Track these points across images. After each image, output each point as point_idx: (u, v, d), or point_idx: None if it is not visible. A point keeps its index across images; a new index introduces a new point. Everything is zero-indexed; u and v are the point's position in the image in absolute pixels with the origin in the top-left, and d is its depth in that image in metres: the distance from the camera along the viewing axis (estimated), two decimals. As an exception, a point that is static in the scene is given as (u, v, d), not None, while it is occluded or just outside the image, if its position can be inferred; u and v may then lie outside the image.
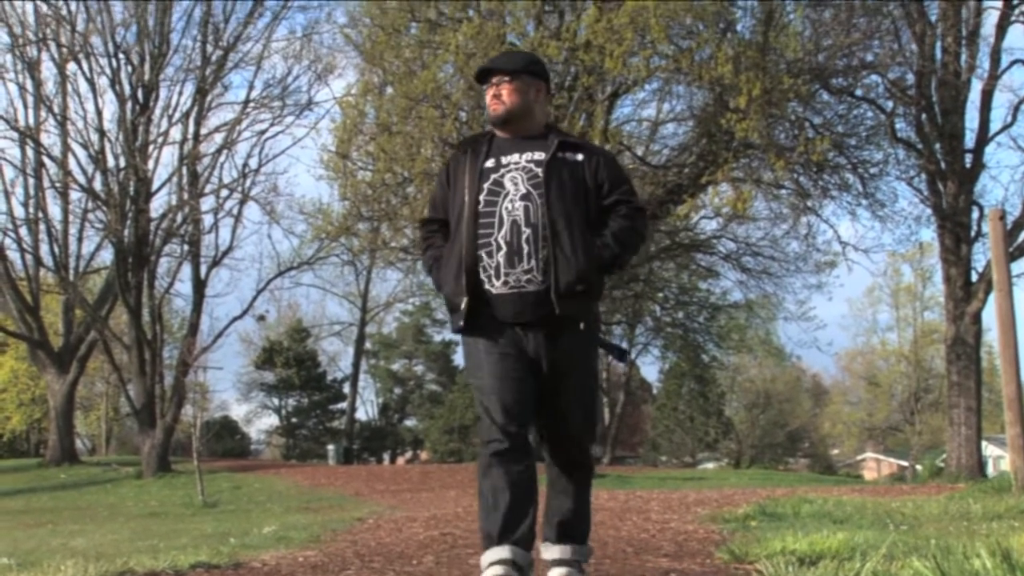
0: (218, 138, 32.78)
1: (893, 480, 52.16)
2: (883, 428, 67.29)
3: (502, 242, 4.89)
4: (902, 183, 27.40)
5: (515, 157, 5.04)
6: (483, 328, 4.93)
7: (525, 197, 4.92)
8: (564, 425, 5.00)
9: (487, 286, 4.88)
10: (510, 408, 4.81)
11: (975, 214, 26.05)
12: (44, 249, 34.34)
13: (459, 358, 64.70)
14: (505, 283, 4.85)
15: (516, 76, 5.15)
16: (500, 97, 5.13)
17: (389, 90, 24.56)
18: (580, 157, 5.06)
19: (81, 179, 32.29)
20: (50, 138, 33.59)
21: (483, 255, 4.89)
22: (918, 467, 47.08)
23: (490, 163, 5.05)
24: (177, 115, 32.33)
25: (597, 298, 5.01)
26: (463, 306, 4.90)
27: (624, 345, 40.47)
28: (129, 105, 31.24)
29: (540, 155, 5.00)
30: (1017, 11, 26.45)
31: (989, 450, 46.78)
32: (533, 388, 4.88)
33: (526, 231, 4.87)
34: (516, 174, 5.00)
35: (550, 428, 5.04)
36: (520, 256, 4.85)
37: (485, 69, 5.27)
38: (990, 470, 34.01)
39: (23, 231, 34.16)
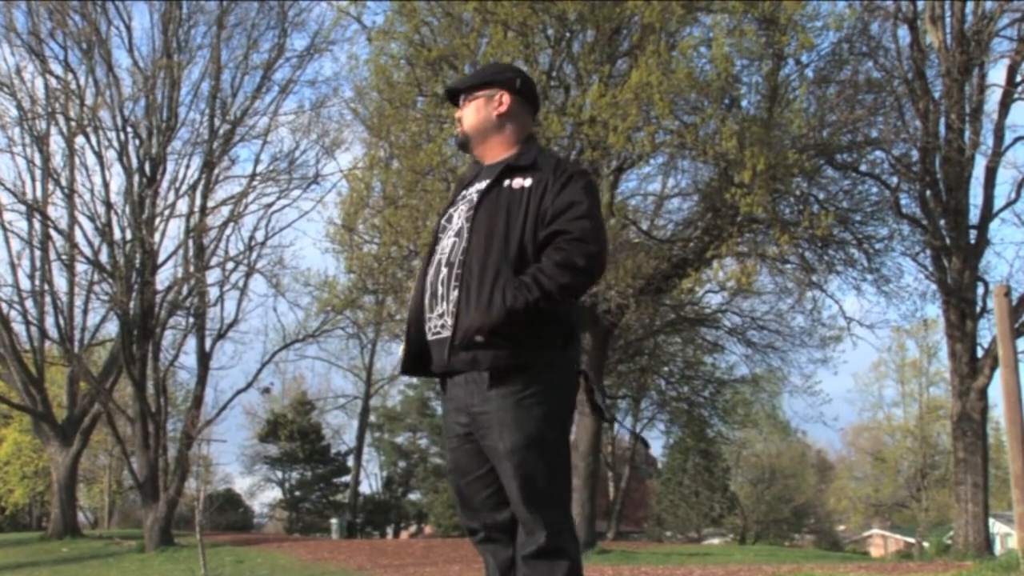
0: (225, 211, 32.89)
1: (900, 557, 51.78)
2: (889, 504, 66.98)
3: (428, 283, 4.45)
4: (907, 259, 27.46)
5: (471, 188, 4.55)
6: (439, 384, 4.52)
7: (458, 233, 4.42)
8: (513, 504, 4.29)
9: (426, 332, 4.44)
10: (466, 503, 4.44)
11: (980, 290, 26.10)
12: (49, 321, 34.37)
13: (463, 432, 64.60)
14: (429, 329, 4.41)
15: (470, 93, 4.64)
16: (460, 120, 4.67)
17: (395, 163, 24.69)
18: (528, 183, 4.37)
19: (87, 251, 32.38)
20: (57, 211, 33.71)
21: (423, 297, 4.47)
22: (925, 544, 46.81)
23: (460, 196, 4.62)
24: (184, 188, 32.50)
25: (536, 348, 4.24)
26: (400, 351, 4.57)
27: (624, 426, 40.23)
28: (136, 178, 31.39)
29: (485, 183, 4.47)
30: (1020, 88, 26.68)
31: (996, 527, 46.53)
32: (492, 472, 4.33)
33: (444, 271, 4.38)
34: (462, 206, 4.51)
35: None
36: (436, 299, 4.38)
37: (447, 92, 4.81)
38: (997, 548, 33.73)
39: (29, 303, 34.22)
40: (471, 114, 4.61)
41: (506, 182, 4.41)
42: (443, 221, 4.56)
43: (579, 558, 4.32)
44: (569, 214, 4.26)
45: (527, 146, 4.58)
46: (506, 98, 4.59)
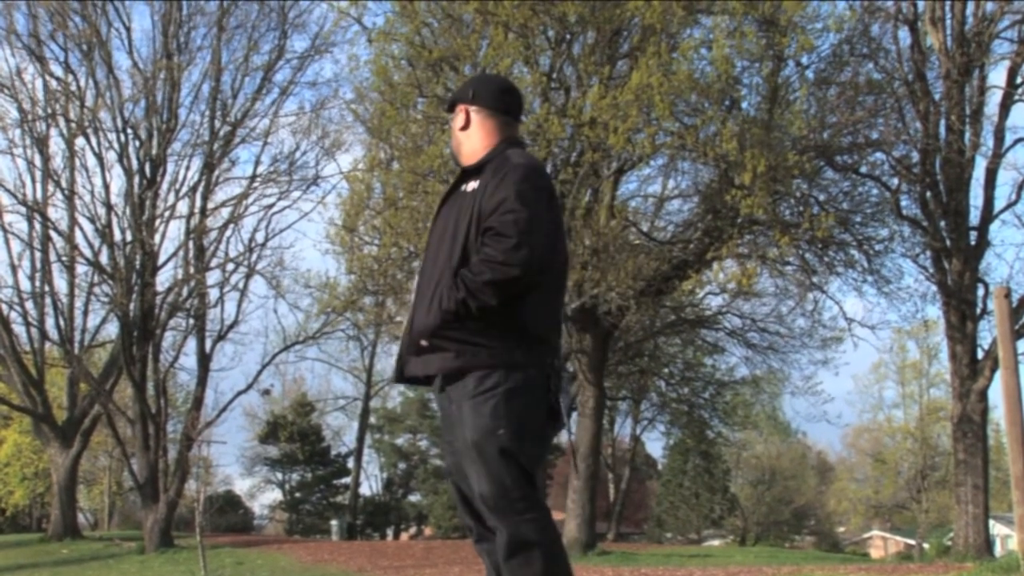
0: (225, 212, 32.84)
1: (900, 559, 51.78)
2: (889, 506, 66.95)
3: (414, 291, 4.58)
4: (907, 260, 27.47)
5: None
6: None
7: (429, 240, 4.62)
8: (476, 501, 4.39)
9: None
10: (464, 503, 4.52)
11: (980, 291, 26.10)
12: (49, 323, 34.34)
13: (463, 434, 64.59)
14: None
15: (451, 112, 4.81)
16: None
17: (396, 165, 24.69)
18: (474, 186, 4.49)
19: (88, 253, 32.35)
20: (57, 212, 33.68)
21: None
22: (925, 545, 46.77)
23: None
24: (184, 189, 32.45)
25: (479, 345, 4.29)
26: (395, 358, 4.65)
27: (624, 427, 40.21)
28: (136, 179, 31.36)
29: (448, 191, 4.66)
30: (1020, 90, 26.68)
31: (996, 529, 46.49)
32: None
33: (418, 278, 4.56)
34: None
35: None
36: (408, 308, 4.56)
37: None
38: (998, 549, 33.72)
39: (29, 304, 34.19)
40: (450, 135, 4.83)
41: (461, 187, 4.56)
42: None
43: (553, 546, 4.32)
44: (499, 210, 4.32)
45: (494, 150, 4.62)
46: (464, 110, 4.71)
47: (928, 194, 26.26)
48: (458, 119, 4.72)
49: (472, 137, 4.68)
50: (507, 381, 4.32)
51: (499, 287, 4.22)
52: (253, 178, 33.16)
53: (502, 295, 4.25)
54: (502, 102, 4.77)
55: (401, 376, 4.58)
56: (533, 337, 4.38)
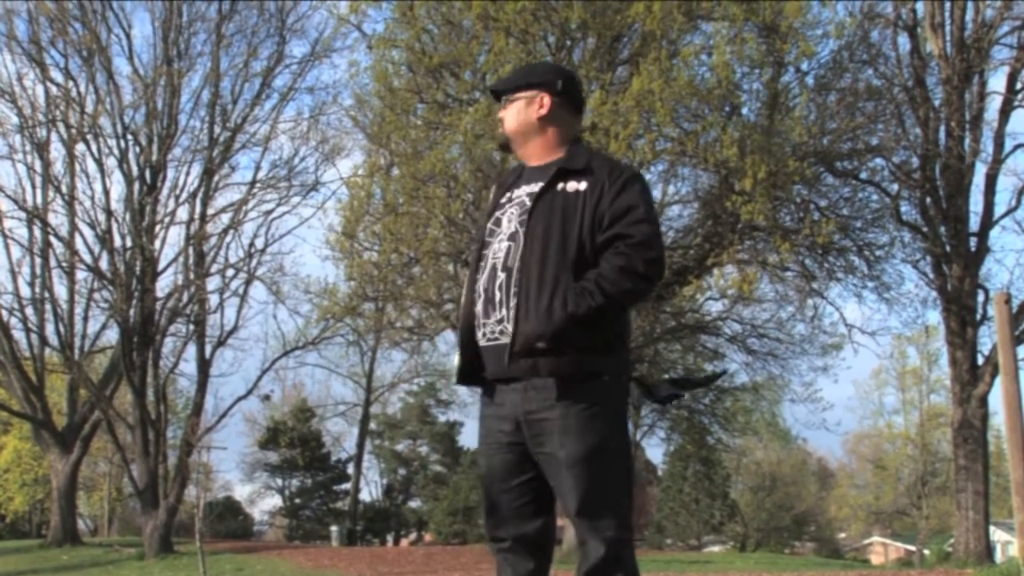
0: (225, 218, 32.89)
1: (901, 565, 51.73)
2: (890, 512, 66.94)
3: (481, 289, 4.32)
4: (908, 266, 27.43)
5: (519, 190, 4.44)
6: (485, 391, 4.38)
7: (511, 237, 4.31)
8: (568, 519, 4.16)
9: (478, 338, 4.31)
10: (497, 511, 4.32)
11: (980, 297, 26.08)
12: (49, 328, 34.34)
13: (464, 439, 64.64)
14: (483, 335, 4.28)
15: (511, 95, 4.54)
16: (502, 121, 4.58)
17: (396, 171, 24.68)
18: (583, 186, 4.28)
19: (87, 259, 32.37)
20: (57, 218, 33.72)
21: (475, 302, 4.35)
22: (926, 552, 46.77)
23: (505, 197, 4.48)
24: (184, 195, 32.48)
25: (597, 353, 4.16)
26: (456, 360, 4.38)
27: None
28: (136, 185, 31.39)
29: (537, 186, 4.35)
30: (1020, 96, 26.67)
31: (997, 535, 46.45)
32: (532, 481, 4.25)
33: (500, 276, 4.26)
34: (513, 209, 4.38)
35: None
36: (493, 305, 4.26)
37: (491, 93, 4.74)
38: (998, 555, 33.73)
39: (29, 310, 34.21)
40: (512, 116, 4.53)
41: (559, 185, 4.31)
42: (490, 224, 4.43)
43: (637, 572, 4.28)
44: (629, 218, 4.20)
45: (575, 148, 4.49)
46: (547, 100, 4.48)
47: (928, 200, 26.26)
48: (534, 106, 4.48)
49: (549, 129, 4.49)
50: (618, 389, 4.28)
51: (635, 297, 4.21)
52: (253, 184, 33.22)
53: (635, 304, 4.27)
54: (581, 100, 4.70)
55: (468, 376, 4.39)
56: (627, 346, 4.35)
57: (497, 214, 4.44)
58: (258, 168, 35.71)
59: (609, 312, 4.12)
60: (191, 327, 32.70)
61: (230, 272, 32.69)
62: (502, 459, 4.27)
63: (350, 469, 61.72)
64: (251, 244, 32.75)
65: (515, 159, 4.68)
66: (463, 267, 22.85)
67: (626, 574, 4.19)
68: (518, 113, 4.50)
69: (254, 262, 32.72)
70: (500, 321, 4.22)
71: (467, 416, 62.35)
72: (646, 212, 4.22)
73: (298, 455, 59.08)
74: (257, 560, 28.22)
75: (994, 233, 27.68)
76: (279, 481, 63.76)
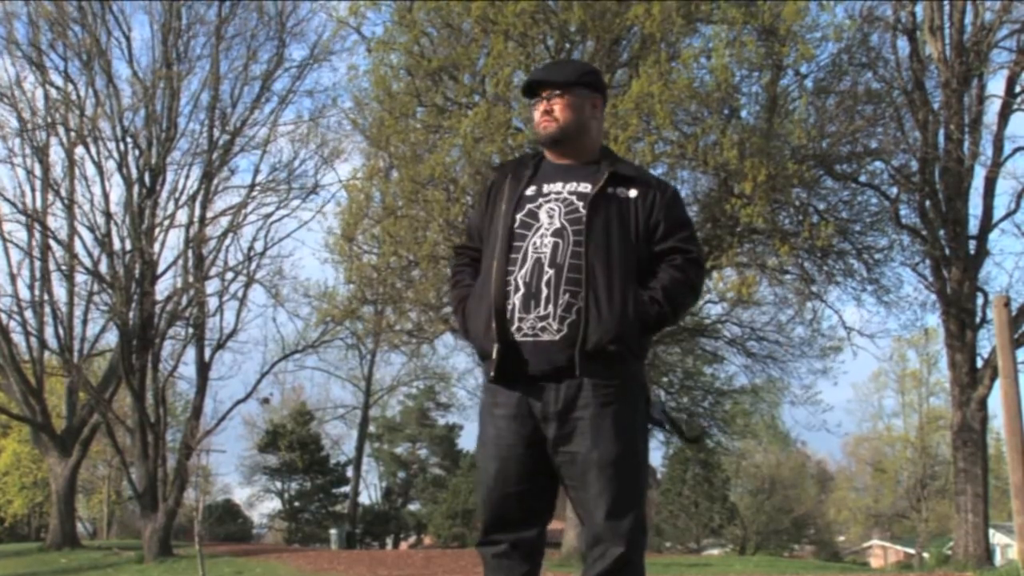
0: (224, 221, 32.89)
1: (900, 568, 51.70)
2: (889, 515, 66.95)
3: (520, 282, 4.25)
4: (907, 269, 27.41)
5: (558, 186, 4.40)
6: (497, 385, 4.31)
7: (557, 233, 4.28)
8: (588, 519, 4.20)
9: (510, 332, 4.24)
10: (500, 513, 4.30)
11: (980, 300, 26.08)
12: (49, 331, 34.37)
13: (463, 442, 64.65)
14: (519, 329, 4.21)
15: (569, 89, 4.47)
16: (552, 113, 4.47)
17: (395, 174, 24.68)
18: (633, 193, 4.36)
19: (87, 262, 32.37)
20: (57, 221, 33.74)
21: (509, 295, 4.27)
22: (925, 555, 46.72)
23: (531, 190, 4.43)
24: (183, 198, 32.48)
25: (638, 359, 4.29)
26: (495, 354, 4.23)
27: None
28: (136, 188, 31.37)
29: (586, 187, 4.35)
30: (1019, 99, 26.70)
31: (996, 538, 46.42)
32: (540, 484, 4.28)
33: (548, 272, 4.22)
34: (554, 205, 4.35)
35: (582, 522, 4.29)
36: (537, 300, 4.20)
37: (534, 81, 4.59)
38: (998, 558, 33.67)
39: (28, 313, 34.23)
40: (570, 110, 4.48)
41: (609, 189, 4.35)
42: (521, 216, 4.38)
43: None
44: (683, 233, 4.39)
45: (611, 154, 4.60)
46: (599, 102, 4.58)
47: (927, 203, 26.26)
48: (588, 104, 4.52)
49: (593, 131, 4.55)
50: (643, 393, 4.37)
51: (687, 310, 4.45)
52: (252, 187, 33.22)
53: (684, 316, 4.39)
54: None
55: (505, 375, 4.28)
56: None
57: (529, 207, 4.40)
58: (257, 171, 35.71)
59: (668, 322, 4.31)
60: (190, 330, 32.68)
61: (229, 275, 32.71)
62: (517, 460, 4.26)
63: (349, 472, 61.79)
64: (250, 247, 32.77)
65: (553, 155, 4.59)
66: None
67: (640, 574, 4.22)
68: (578, 111, 4.48)
69: (253, 265, 32.75)
70: (543, 317, 4.20)
71: (466, 419, 62.45)
72: (694, 229, 4.46)
73: (297, 458, 59.03)
74: (256, 563, 28.19)
75: (993, 236, 27.78)
76: (278, 484, 63.72)
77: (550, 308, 4.19)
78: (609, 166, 4.42)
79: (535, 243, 4.29)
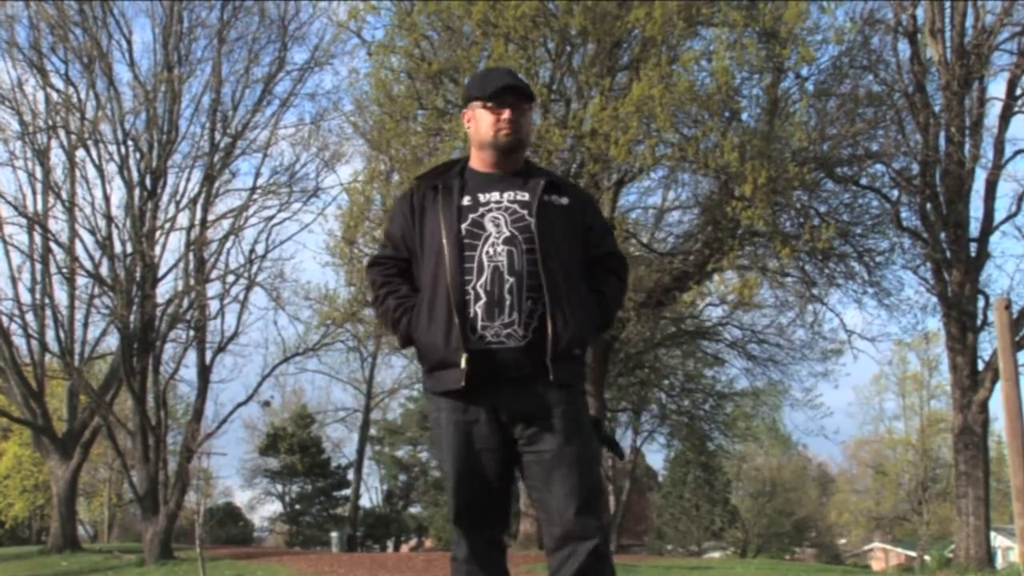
0: (225, 224, 32.83)
1: (901, 571, 51.75)
2: (890, 518, 66.86)
3: (481, 291, 4.31)
4: (908, 271, 27.42)
5: (495, 195, 4.46)
6: (450, 392, 4.36)
7: (508, 241, 4.34)
8: (557, 517, 4.27)
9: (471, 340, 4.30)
10: (474, 513, 4.40)
11: (981, 303, 26.09)
12: (50, 334, 34.32)
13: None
14: (482, 337, 4.28)
15: (531, 102, 4.63)
16: (519, 123, 4.51)
17: (396, 177, 24.67)
18: (565, 201, 4.49)
19: (88, 265, 32.31)
20: (58, 224, 33.68)
21: (468, 303, 4.32)
22: (926, 557, 46.69)
23: (466, 200, 4.46)
24: (184, 201, 32.41)
25: (584, 361, 4.47)
26: (463, 363, 4.26)
27: (624, 439, 40.26)
28: (137, 191, 31.33)
29: (524, 195, 4.43)
30: (1020, 102, 26.69)
31: (998, 540, 46.44)
32: (509, 486, 4.43)
33: (509, 280, 4.30)
34: (498, 215, 4.41)
35: (540, 515, 4.38)
36: (501, 308, 4.28)
37: (510, 87, 4.55)
38: (999, 561, 33.65)
39: (29, 316, 34.18)
40: (528, 124, 4.62)
41: (546, 197, 4.47)
42: (465, 226, 4.42)
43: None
44: (611, 238, 4.68)
45: (528, 163, 4.70)
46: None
47: (928, 206, 26.26)
48: (529, 114, 4.65)
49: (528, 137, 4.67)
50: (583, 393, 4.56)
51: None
52: (253, 190, 33.18)
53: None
54: None
55: (473, 382, 4.31)
56: None
57: (472, 216, 4.44)
58: (258, 174, 35.72)
59: (611, 324, 4.54)
60: (191, 333, 32.63)
61: (230, 278, 32.68)
62: (493, 461, 4.36)
63: (350, 475, 61.82)
64: (251, 250, 32.73)
65: (486, 165, 4.62)
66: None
67: (611, 568, 4.37)
68: (530, 123, 4.65)
69: (254, 268, 32.71)
70: (508, 324, 4.30)
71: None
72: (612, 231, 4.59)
73: (298, 461, 59.07)
74: (257, 566, 28.17)
75: (994, 239, 27.77)
76: (279, 487, 63.77)
77: (515, 315, 4.30)
78: (541, 175, 4.56)
79: (488, 252, 4.37)
